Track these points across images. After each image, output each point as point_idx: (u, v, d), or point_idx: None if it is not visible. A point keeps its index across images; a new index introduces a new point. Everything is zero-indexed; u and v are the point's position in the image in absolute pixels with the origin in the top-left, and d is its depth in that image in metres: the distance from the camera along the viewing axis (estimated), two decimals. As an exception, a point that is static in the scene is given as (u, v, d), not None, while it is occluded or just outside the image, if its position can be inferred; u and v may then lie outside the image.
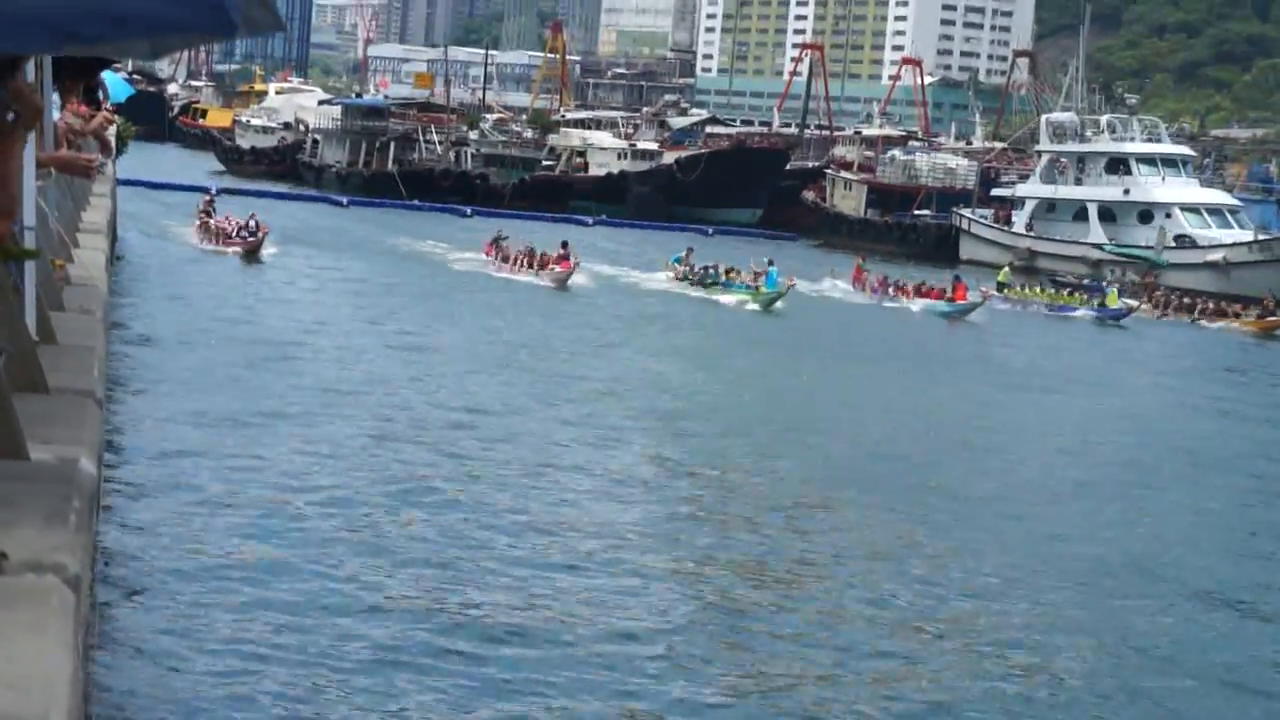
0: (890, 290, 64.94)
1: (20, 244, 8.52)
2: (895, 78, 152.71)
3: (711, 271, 60.95)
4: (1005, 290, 70.01)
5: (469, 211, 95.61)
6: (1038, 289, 72.26)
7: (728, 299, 57.80)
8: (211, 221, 59.38)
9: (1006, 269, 75.35)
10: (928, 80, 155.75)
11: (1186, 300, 71.99)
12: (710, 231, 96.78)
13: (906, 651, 17.30)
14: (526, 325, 46.20)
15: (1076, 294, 71.15)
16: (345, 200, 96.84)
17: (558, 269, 57.58)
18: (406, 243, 71.70)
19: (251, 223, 57.67)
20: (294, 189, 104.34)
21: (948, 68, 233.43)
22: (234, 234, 57.12)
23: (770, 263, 60.12)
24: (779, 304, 56.61)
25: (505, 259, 61.20)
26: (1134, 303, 68.40)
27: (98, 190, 27.13)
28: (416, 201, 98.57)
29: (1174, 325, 68.09)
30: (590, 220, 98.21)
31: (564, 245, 59.54)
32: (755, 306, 56.68)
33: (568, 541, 20.40)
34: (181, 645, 15.25)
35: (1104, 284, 73.03)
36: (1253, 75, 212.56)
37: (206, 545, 18.87)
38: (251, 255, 55.34)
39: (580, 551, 19.98)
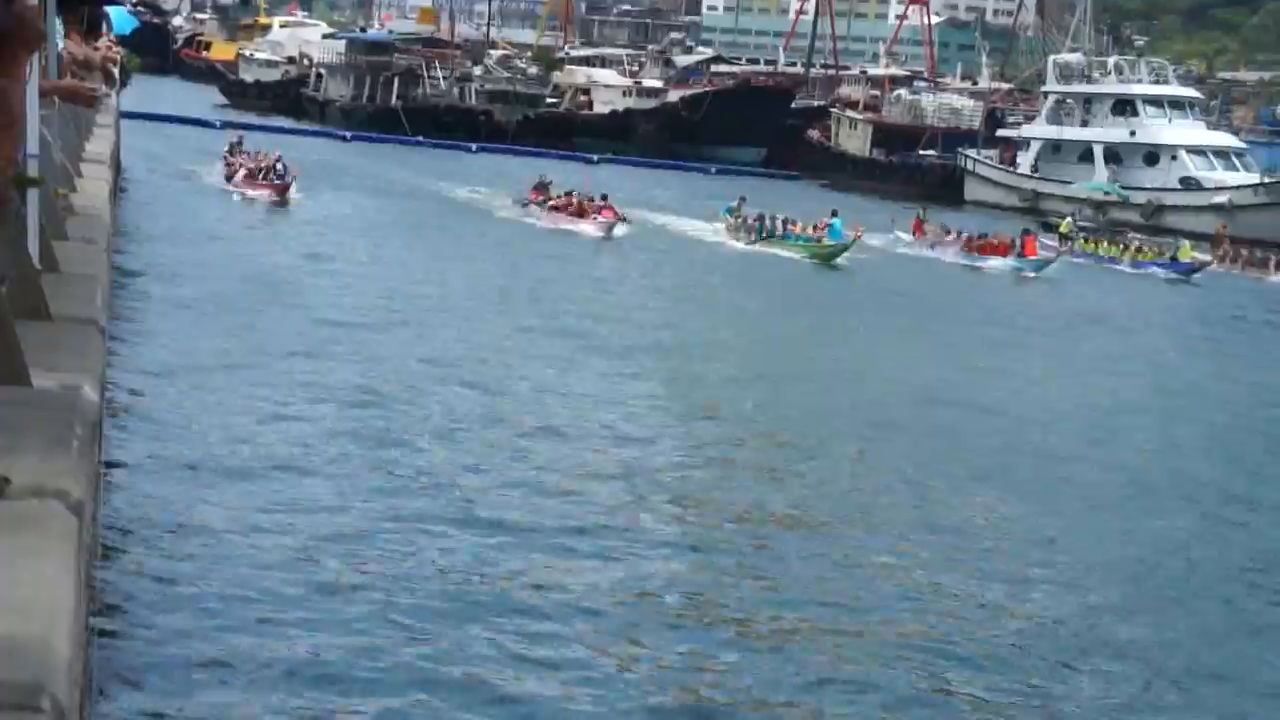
0: (954, 243, 61.08)
1: (24, 171, 8.49)
2: (902, 17, 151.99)
3: (768, 223, 57.69)
4: (1070, 243, 66.20)
5: (474, 148, 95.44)
6: (1104, 242, 68.22)
7: (787, 252, 54.77)
8: (238, 163, 57.68)
9: (1069, 219, 71.67)
10: (934, 20, 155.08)
11: (1259, 254, 68.53)
12: (713, 170, 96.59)
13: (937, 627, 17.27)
14: (570, 278, 44.08)
15: (1146, 248, 66.91)
16: (348, 135, 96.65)
17: (602, 217, 55.66)
18: (437, 185, 69.54)
19: (279, 165, 55.78)
20: (297, 124, 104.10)
21: (954, 7, 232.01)
22: (261, 177, 55.35)
23: (835, 213, 57.65)
24: (842, 258, 53.61)
25: (549, 204, 58.79)
26: (1205, 257, 65.11)
27: (101, 121, 27.08)
28: (420, 137, 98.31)
29: (1244, 281, 64.12)
30: (595, 158, 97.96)
31: (603, 197, 57.59)
32: (816, 260, 53.73)
33: (600, 512, 19.31)
34: (184, 571, 15.28)
35: (1178, 239, 68.55)
36: (1260, 18, 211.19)
37: (207, 473, 18.90)
38: (280, 199, 53.88)
39: (612, 527, 18.80)
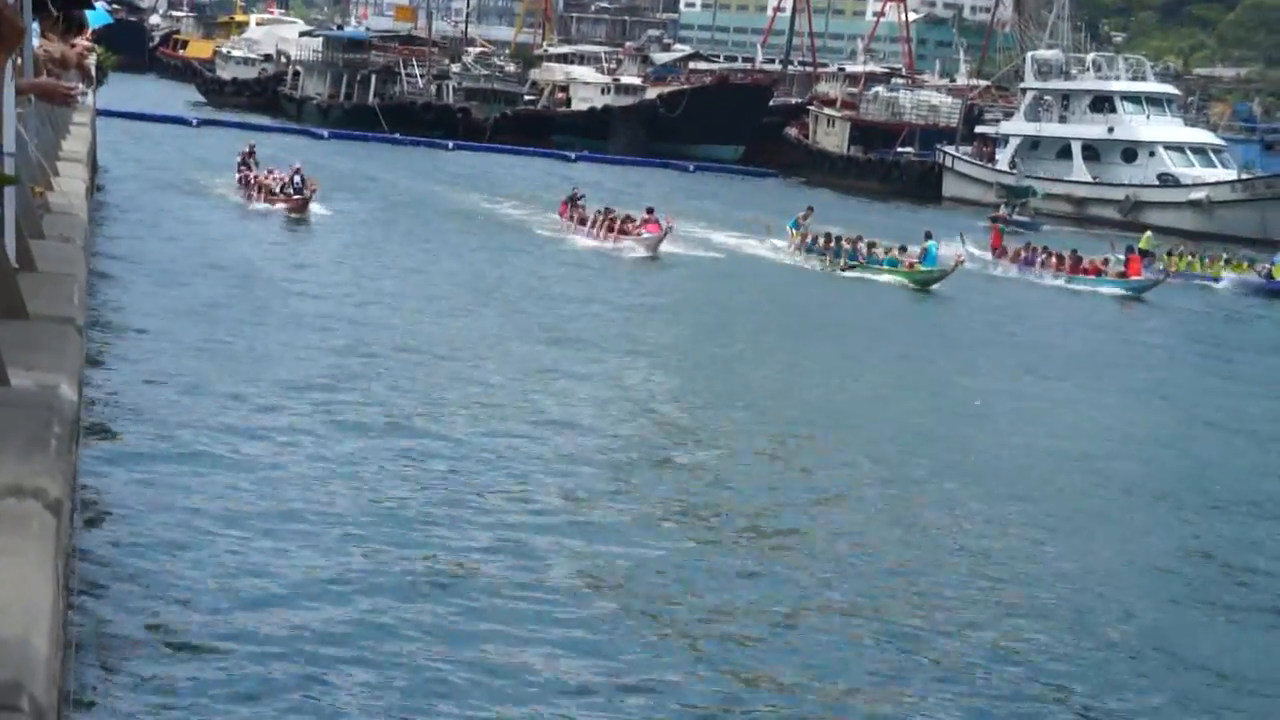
0: (1039, 262, 55.52)
1: (0, 169, 8.47)
2: (879, 14, 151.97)
3: (848, 245, 51.31)
4: (1152, 259, 58.49)
5: (451, 145, 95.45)
6: (1192, 256, 61.79)
7: (875, 277, 49.01)
8: (253, 175, 54.63)
9: (1149, 234, 64.16)
10: (912, 17, 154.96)
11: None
12: (692, 168, 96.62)
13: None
14: (611, 304, 39.26)
15: (1237, 262, 61.63)
16: (326, 133, 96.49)
17: (646, 233, 50.33)
18: (464, 196, 65.15)
19: (297, 178, 52.11)
20: (274, 121, 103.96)
21: (932, 4, 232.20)
22: (278, 189, 52.11)
23: (929, 235, 51.07)
24: (939, 285, 48.14)
25: (582, 221, 53.77)
26: None
27: (78, 119, 27.02)
28: (397, 135, 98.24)
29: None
30: (572, 155, 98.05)
31: (649, 210, 52.35)
32: (911, 286, 48.16)
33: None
34: (160, 568, 15.26)
35: (1275, 256, 62.43)
36: (1237, 14, 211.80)
37: (183, 470, 18.88)
38: (299, 213, 50.62)
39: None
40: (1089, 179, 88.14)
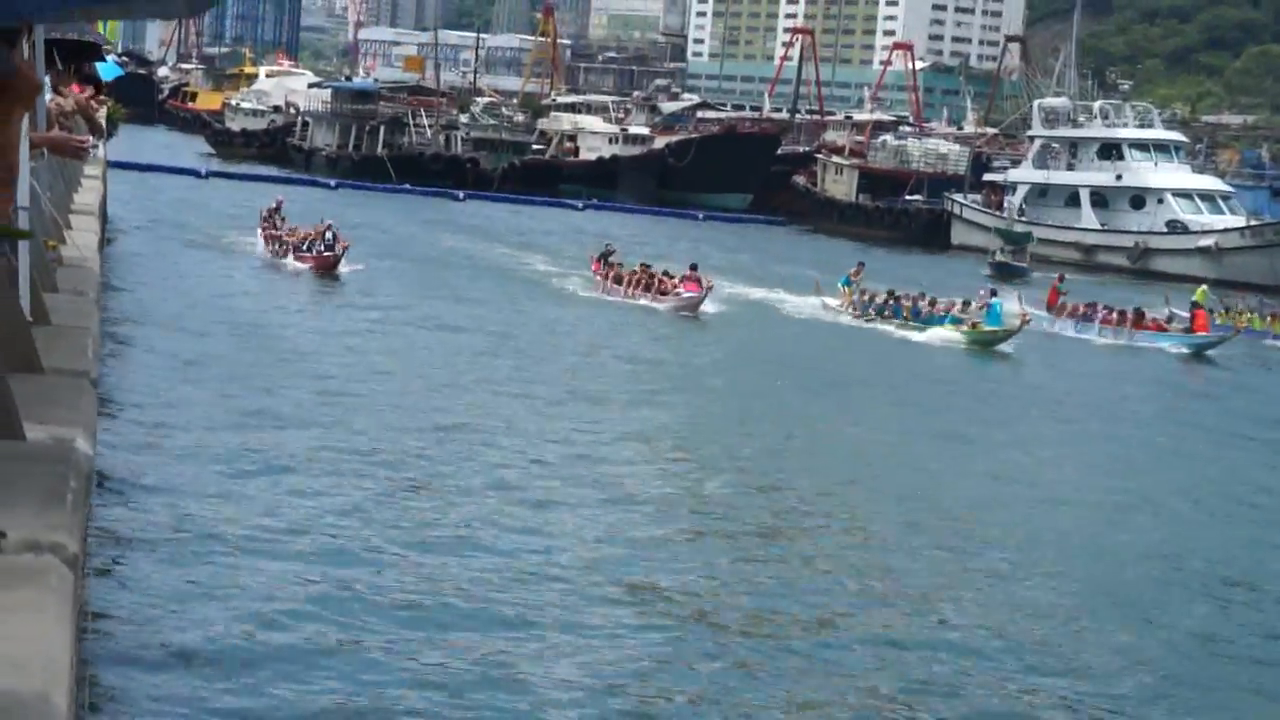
0: (1099, 319, 52.57)
1: (15, 224, 8.50)
2: (886, 63, 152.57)
3: (906, 302, 49.00)
4: (1212, 314, 55.13)
5: (461, 195, 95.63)
6: (1251, 313, 58.48)
7: (935, 335, 46.47)
8: (279, 232, 52.21)
9: (1204, 288, 59.14)
10: (919, 65, 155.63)
11: None
12: (701, 216, 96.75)
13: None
14: (651, 364, 37.63)
15: None
16: (334, 183, 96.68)
17: (685, 292, 47.99)
18: (495, 251, 63.50)
19: (328, 234, 49.46)
20: (283, 172, 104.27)
21: (939, 53, 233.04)
22: (306, 247, 49.59)
23: (994, 293, 48.91)
24: (1006, 345, 45.73)
25: (618, 280, 51.01)
26: None
27: (89, 172, 27.07)
28: (406, 185, 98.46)
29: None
30: (580, 204, 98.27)
31: (693, 267, 49.77)
32: (974, 346, 45.55)
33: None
34: (169, 623, 15.24)
35: None
36: (1244, 61, 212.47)
37: (194, 523, 18.86)
38: (328, 272, 48.12)
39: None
40: (1098, 226, 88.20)
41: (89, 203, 22.68)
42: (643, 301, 48.83)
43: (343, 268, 48.60)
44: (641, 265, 51.65)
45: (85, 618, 9.32)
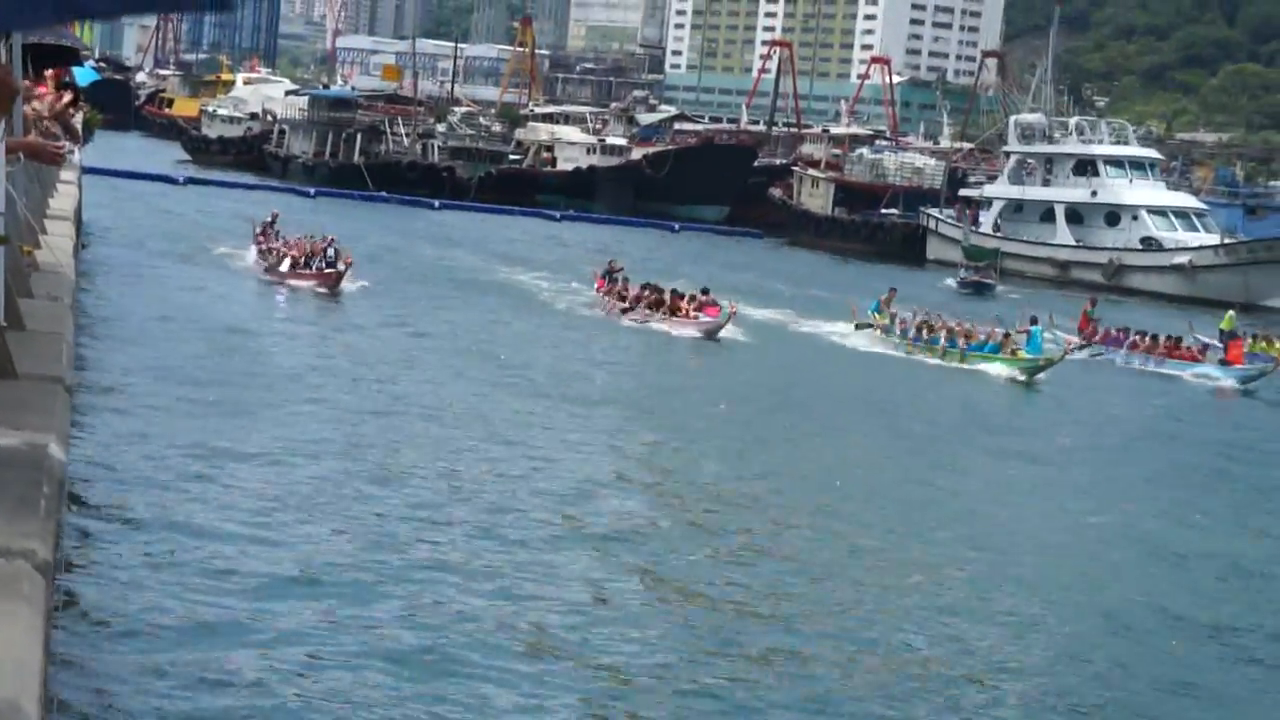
0: (1131, 345, 50.13)
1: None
2: (864, 76, 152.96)
3: (940, 332, 46.47)
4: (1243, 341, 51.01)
5: (437, 204, 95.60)
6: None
7: (986, 367, 43.96)
8: (274, 247, 49.67)
9: (1231, 314, 56.77)
10: (896, 79, 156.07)
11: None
12: (677, 228, 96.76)
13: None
14: (670, 391, 35.76)
15: None
16: (312, 191, 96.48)
17: (705, 316, 45.30)
18: (490, 267, 60.94)
19: (330, 251, 46.99)
20: (260, 179, 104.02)
21: (916, 67, 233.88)
22: (305, 263, 47.16)
23: (1034, 321, 46.55)
24: (1043, 374, 43.21)
25: (623, 299, 48.42)
26: None
27: (64, 177, 27.03)
28: (383, 193, 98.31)
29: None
30: (557, 214, 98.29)
31: (704, 291, 46.84)
32: (1014, 375, 43.10)
33: None
34: (141, 628, 15.18)
35: None
36: (1219, 79, 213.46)
37: (167, 529, 18.78)
38: (330, 288, 45.65)
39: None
40: (1072, 242, 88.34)
41: (64, 208, 22.65)
42: (655, 325, 45.83)
43: (346, 285, 46.21)
44: (650, 285, 48.88)
45: (57, 624, 9.29)
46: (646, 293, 47.96)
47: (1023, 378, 42.88)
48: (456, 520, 21.11)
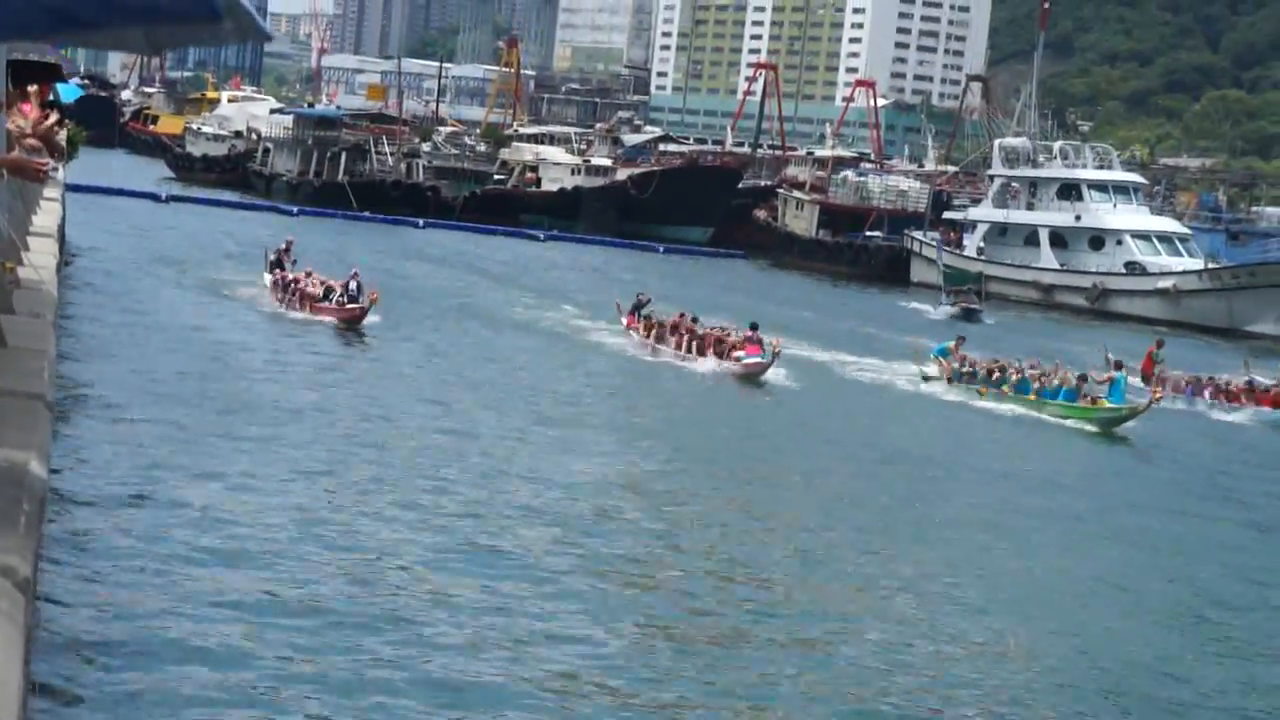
0: (1209, 393, 46.42)
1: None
2: (849, 99, 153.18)
3: (1014, 377, 42.80)
4: None
5: (421, 224, 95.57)
6: None
7: (1051, 416, 40.64)
8: (291, 278, 46.64)
9: None
10: (881, 102, 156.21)
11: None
12: (661, 249, 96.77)
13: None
14: (718, 447, 32.14)
15: None
16: (295, 210, 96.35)
17: (748, 356, 42.01)
18: (510, 297, 57.97)
19: (353, 284, 44.29)
20: (244, 197, 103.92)
21: (901, 91, 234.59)
22: (325, 296, 44.61)
23: (1119, 365, 42.80)
24: (1130, 423, 39.80)
25: (660, 337, 45.31)
26: None
27: (48, 194, 26.98)
28: (367, 213, 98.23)
29: None
30: (541, 235, 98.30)
31: (753, 326, 43.33)
32: (1089, 426, 39.81)
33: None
34: (120, 647, 15.10)
35: None
36: (1203, 105, 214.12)
37: (148, 546, 18.70)
38: (353, 324, 43.12)
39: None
40: (1056, 266, 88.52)
41: (47, 225, 22.60)
42: (690, 363, 42.95)
43: (368, 320, 43.36)
44: (686, 316, 46.12)
45: (36, 642, 9.24)
46: (683, 330, 44.96)
47: (1106, 429, 39.71)
48: (454, 548, 20.90)
